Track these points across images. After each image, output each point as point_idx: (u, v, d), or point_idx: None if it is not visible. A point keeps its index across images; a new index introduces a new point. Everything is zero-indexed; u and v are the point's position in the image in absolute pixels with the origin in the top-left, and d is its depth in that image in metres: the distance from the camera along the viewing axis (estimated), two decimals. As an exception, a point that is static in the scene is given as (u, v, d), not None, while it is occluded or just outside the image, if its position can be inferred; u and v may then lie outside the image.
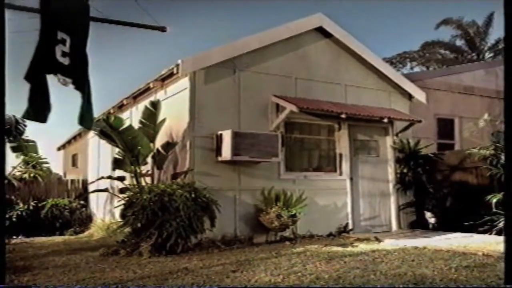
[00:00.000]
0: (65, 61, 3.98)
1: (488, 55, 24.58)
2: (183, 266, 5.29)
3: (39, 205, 12.04)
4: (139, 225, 6.44)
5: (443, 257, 5.22)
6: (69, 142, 18.20)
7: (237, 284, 4.13)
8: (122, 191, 7.96)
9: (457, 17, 24.66)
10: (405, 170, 9.44)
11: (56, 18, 3.92)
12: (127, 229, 6.94)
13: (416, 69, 25.79)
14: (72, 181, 13.86)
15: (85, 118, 4.31)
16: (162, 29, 5.09)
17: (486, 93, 11.10)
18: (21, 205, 11.69)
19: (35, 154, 11.52)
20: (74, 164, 18.19)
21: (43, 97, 3.86)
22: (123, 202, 6.91)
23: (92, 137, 13.36)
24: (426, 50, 25.97)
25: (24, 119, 10.30)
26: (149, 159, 7.95)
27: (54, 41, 3.90)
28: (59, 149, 20.13)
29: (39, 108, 3.82)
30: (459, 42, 25.61)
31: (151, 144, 7.74)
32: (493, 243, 6.26)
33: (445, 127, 11.02)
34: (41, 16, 3.80)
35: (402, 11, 36.07)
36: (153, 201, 6.28)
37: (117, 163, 7.99)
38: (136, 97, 9.79)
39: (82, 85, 4.21)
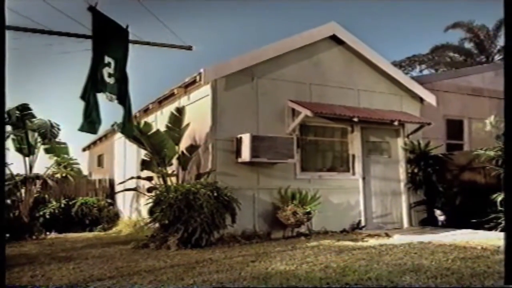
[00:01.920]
0: (111, 80, 4.66)
1: (497, 57, 24.71)
2: (207, 257, 5.90)
3: (70, 203, 12.83)
4: (166, 221, 7.08)
5: (444, 251, 5.71)
6: (94, 143, 18.97)
7: (256, 272, 4.71)
8: (149, 190, 8.63)
9: (467, 20, 24.87)
10: (415, 170, 9.89)
11: (104, 45, 4.59)
12: (155, 225, 7.60)
13: (425, 71, 26.07)
14: (100, 180, 14.65)
15: (127, 127, 4.99)
16: (189, 48, 5.69)
17: (495, 94, 11.41)
18: (54, 203, 12.47)
19: (66, 156, 12.24)
20: (99, 164, 18.98)
21: (96, 113, 4.54)
22: (151, 200, 7.57)
23: (117, 138, 14.13)
24: (435, 53, 26.23)
25: (58, 124, 11.17)
26: (174, 161, 8.59)
27: (102, 65, 4.57)
28: (84, 150, 20.97)
29: (92, 122, 4.49)
30: (468, 45, 25.79)
31: (176, 147, 8.39)
32: (495, 239, 6.70)
33: (454, 128, 11.37)
34: (93, 45, 4.47)
35: (411, 15, 36.28)
36: (179, 199, 6.92)
37: (145, 164, 8.65)
38: (161, 102, 10.45)
39: (124, 100, 4.89)
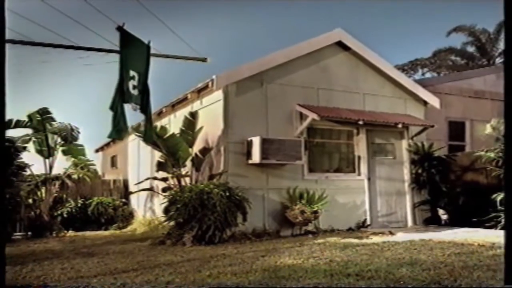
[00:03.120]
0: (135, 92, 5.13)
1: (498, 60, 25.01)
2: (221, 252, 6.34)
3: (86, 202, 13.36)
4: (181, 219, 7.53)
5: (442, 247, 6.08)
6: (107, 145, 19.51)
7: (266, 265, 5.13)
8: (164, 190, 9.12)
9: (469, 24, 25.27)
10: (419, 171, 10.24)
11: (130, 61, 5.06)
12: (171, 223, 8.06)
13: (428, 75, 26.49)
14: (114, 181, 15.18)
15: (148, 134, 5.48)
16: (204, 60, 6.13)
17: (497, 96, 11.72)
18: (71, 202, 13.01)
19: (83, 157, 12.77)
20: (113, 165, 19.54)
21: (123, 121, 5.02)
22: (167, 199, 8.04)
23: (131, 140, 14.64)
24: (438, 57, 26.67)
25: (78, 127, 11.71)
26: (188, 162, 9.06)
27: (128, 78, 5.04)
28: (97, 151, 21.53)
29: (120, 130, 4.98)
30: (470, 49, 26.16)
31: (190, 149, 8.85)
32: (493, 237, 7.05)
33: (456, 130, 11.70)
34: (120, 61, 4.95)
35: (413, 18, 36.67)
36: (194, 199, 7.37)
37: (160, 166, 9.14)
38: (174, 105, 10.92)
39: (146, 109, 5.38)
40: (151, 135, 5.63)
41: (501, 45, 25.00)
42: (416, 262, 4.88)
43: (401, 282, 3.96)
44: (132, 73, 5.11)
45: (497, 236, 7.18)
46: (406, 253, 5.66)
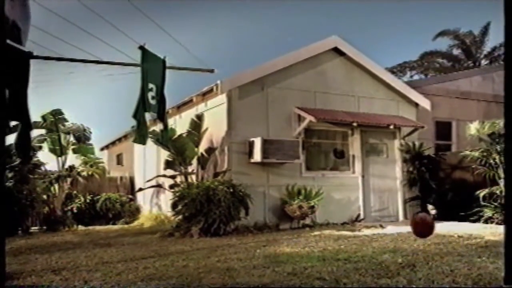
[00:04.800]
0: (154, 102, 5.83)
1: (484, 62, 25.88)
2: (226, 243, 7.04)
3: (94, 198, 14.04)
4: (189, 213, 8.21)
5: (426, 238, 6.78)
6: (113, 143, 20.18)
7: (267, 253, 5.82)
8: (171, 187, 9.80)
9: (454, 28, 26.17)
10: (411, 169, 10.89)
11: (149, 75, 5.75)
12: (178, 217, 8.74)
13: (416, 77, 27.41)
14: (121, 178, 15.86)
15: (165, 138, 6.17)
16: (211, 71, 6.80)
17: (483, 97, 12.37)
18: (81, 198, 13.69)
19: (92, 155, 13.45)
20: (119, 162, 20.22)
21: (145, 128, 5.73)
22: (175, 195, 8.73)
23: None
24: (425, 59, 27.63)
25: (90, 127, 12.41)
26: (194, 161, 9.74)
27: (148, 89, 5.73)
28: (102, 149, 22.18)
29: (143, 136, 5.68)
30: (456, 51, 27.05)
31: (196, 149, 9.54)
32: (473, 229, 7.77)
33: (443, 129, 12.37)
34: (142, 75, 5.66)
35: (401, 23, 37.60)
36: (201, 195, 8.06)
37: (168, 164, 9.82)
38: (179, 107, 11.60)
39: (163, 116, 6.09)
40: (168, 139, 6.36)
41: (486, 47, 25.92)
42: (398, 250, 5.58)
43: (382, 265, 4.64)
44: (151, 85, 5.79)
45: (476, 229, 7.92)
46: (391, 243, 6.36)
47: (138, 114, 5.65)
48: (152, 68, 5.84)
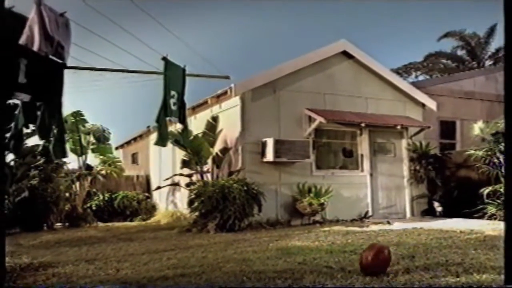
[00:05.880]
0: (175, 107, 6.34)
1: (488, 62, 26.08)
2: (241, 237, 7.52)
3: (112, 196, 14.61)
4: (206, 210, 8.71)
5: (429, 233, 7.18)
6: (128, 142, 20.77)
7: (279, 246, 6.28)
8: (187, 185, 10.31)
9: (459, 29, 26.41)
10: (417, 167, 11.32)
11: (171, 83, 6.27)
12: (195, 214, 9.23)
13: (421, 77, 27.77)
14: (138, 176, 16.44)
15: (185, 140, 6.69)
16: (226, 77, 7.28)
17: (486, 97, 12.67)
18: (100, 196, 14.28)
19: (110, 155, 14.03)
20: (134, 161, 20.81)
21: (166, 132, 6.25)
22: (192, 193, 9.23)
23: (153, 139, 15.85)
24: (429, 60, 27.98)
25: (109, 128, 12.98)
26: (209, 160, 10.24)
27: (170, 96, 6.25)
28: (116, 148, 22.77)
29: (164, 139, 6.21)
30: (460, 52, 27.29)
31: (211, 149, 10.04)
32: (475, 225, 8.15)
33: (447, 129, 12.71)
34: (164, 83, 6.17)
35: (407, 24, 37.76)
36: (217, 192, 8.56)
37: (185, 163, 10.34)
38: (194, 108, 12.10)
39: (184, 120, 6.62)
40: (188, 141, 6.88)
41: (491, 48, 26.08)
42: (402, 244, 6.01)
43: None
44: (172, 92, 6.31)
45: (479, 225, 8.30)
46: (396, 238, 6.79)
47: (160, 119, 6.17)
48: (173, 76, 6.36)
